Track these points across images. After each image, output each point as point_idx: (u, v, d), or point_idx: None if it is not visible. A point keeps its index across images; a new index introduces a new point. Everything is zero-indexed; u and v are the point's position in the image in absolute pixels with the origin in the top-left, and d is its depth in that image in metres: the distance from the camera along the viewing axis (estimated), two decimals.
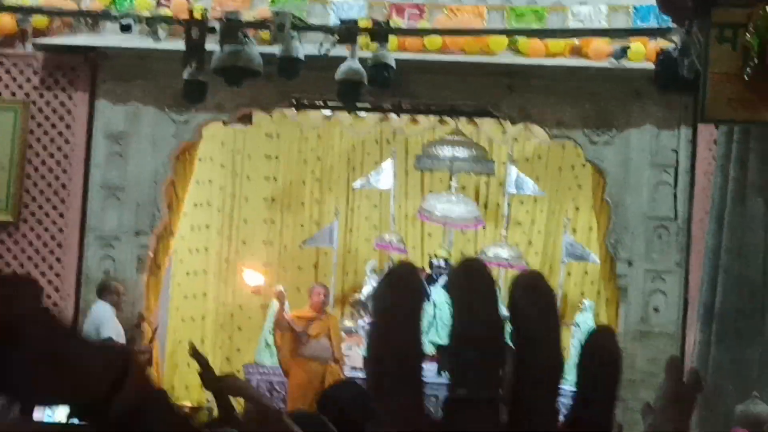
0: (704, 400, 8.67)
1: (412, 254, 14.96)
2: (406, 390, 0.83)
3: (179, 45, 10.85)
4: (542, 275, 0.89)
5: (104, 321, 11.23)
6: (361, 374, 11.05)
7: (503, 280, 14.46)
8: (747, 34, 6.94)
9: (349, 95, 10.90)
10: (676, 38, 9.04)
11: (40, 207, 12.21)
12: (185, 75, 10.72)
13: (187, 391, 14.01)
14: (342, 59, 10.64)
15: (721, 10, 7.07)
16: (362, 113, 13.79)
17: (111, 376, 0.96)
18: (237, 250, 15.41)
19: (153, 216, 12.34)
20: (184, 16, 10.95)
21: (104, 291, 11.62)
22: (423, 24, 11.99)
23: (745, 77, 6.95)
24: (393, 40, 11.29)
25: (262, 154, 15.55)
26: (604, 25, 11.74)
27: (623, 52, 11.47)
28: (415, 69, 11.71)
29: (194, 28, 10.58)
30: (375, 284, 11.17)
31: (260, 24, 11.08)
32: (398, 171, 14.89)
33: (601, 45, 11.62)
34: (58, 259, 12.16)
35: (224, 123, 12.83)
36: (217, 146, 14.89)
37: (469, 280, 0.85)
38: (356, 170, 15.49)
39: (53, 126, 12.27)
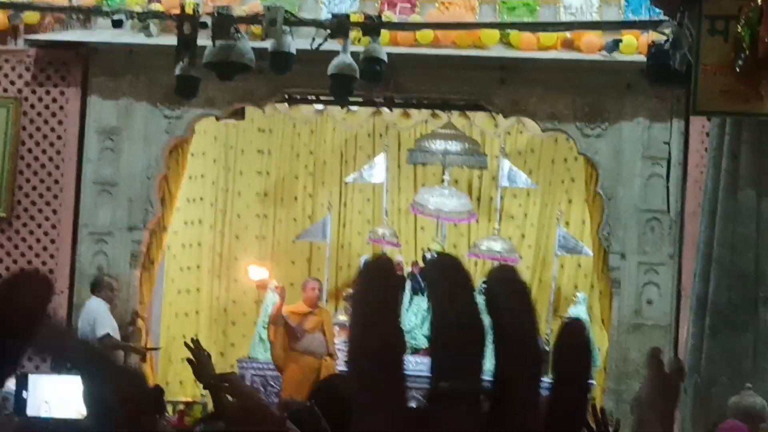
0: (698, 392, 8.69)
1: (405, 248, 14.96)
2: (387, 384, 0.83)
3: (171, 40, 10.85)
4: (515, 268, 0.89)
5: (99, 317, 11.21)
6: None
7: None
8: (738, 25, 6.94)
9: (341, 89, 10.91)
10: (667, 30, 9.05)
11: (33, 203, 12.20)
12: (177, 70, 10.72)
13: (181, 386, 14.01)
14: (334, 53, 10.64)
15: (712, 2, 7.08)
16: (354, 107, 13.79)
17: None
18: (230, 244, 15.41)
19: (146, 211, 12.34)
20: (176, 11, 10.94)
21: (98, 287, 11.60)
22: (415, 18, 11.99)
23: (737, 69, 6.96)
24: (385, 34, 11.29)
25: (254, 149, 15.54)
26: (595, 17, 11.75)
27: (615, 45, 11.48)
28: (407, 63, 11.71)
29: (186, 23, 10.58)
30: None
31: (252, 19, 11.07)
32: (391, 165, 14.90)
33: (593, 38, 11.62)
34: (51, 255, 12.15)
35: (216, 118, 12.82)
36: (209, 141, 14.88)
37: (446, 275, 0.85)
38: (349, 164, 15.48)
39: (45, 122, 12.26)
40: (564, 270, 14.70)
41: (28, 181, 12.21)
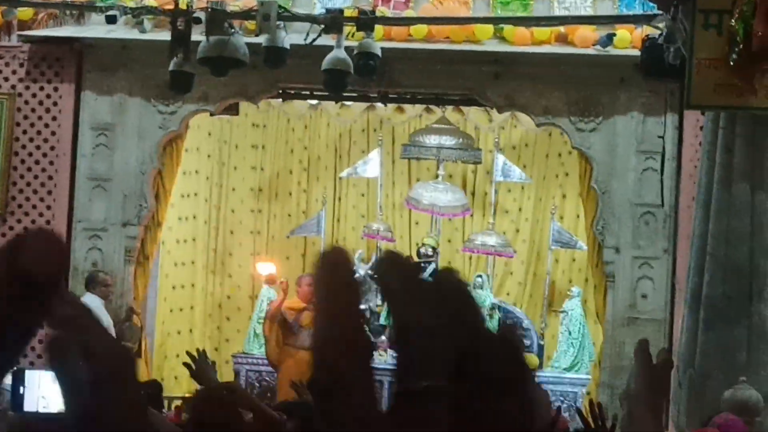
0: (692, 385, 8.70)
1: (400, 243, 14.94)
2: (352, 382, 0.82)
3: (165, 36, 10.84)
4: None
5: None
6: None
7: (491, 268, 14.50)
8: (732, 19, 6.95)
9: (335, 84, 10.91)
10: (661, 25, 9.06)
11: (27, 199, 12.19)
12: (171, 66, 10.71)
13: (176, 381, 13.99)
14: (328, 48, 10.64)
15: None
16: (348, 102, 13.78)
17: None
18: (224, 240, 15.40)
19: (140, 207, 12.33)
20: (170, 6, 10.94)
21: (92, 283, 11.60)
22: (409, 13, 11.99)
23: (731, 63, 6.97)
24: (379, 29, 11.30)
25: (248, 144, 15.52)
26: (589, 12, 11.76)
27: (609, 39, 11.49)
28: (401, 58, 11.71)
29: (180, 18, 10.57)
30: (363, 273, 11.11)
31: (246, 14, 11.06)
32: (385, 160, 14.89)
33: (586, 32, 11.63)
34: None
35: (211, 113, 12.82)
36: (203, 136, 14.86)
37: (397, 271, 0.84)
38: (343, 159, 15.48)
39: (39, 118, 12.25)
40: (558, 264, 14.71)
41: (22, 177, 12.20)
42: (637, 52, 9.89)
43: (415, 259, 14.24)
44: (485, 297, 13.62)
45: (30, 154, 12.21)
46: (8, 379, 6.91)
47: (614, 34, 11.45)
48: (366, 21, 10.79)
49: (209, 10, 10.43)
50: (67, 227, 12.19)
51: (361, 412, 0.83)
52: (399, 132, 15.14)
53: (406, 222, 15.46)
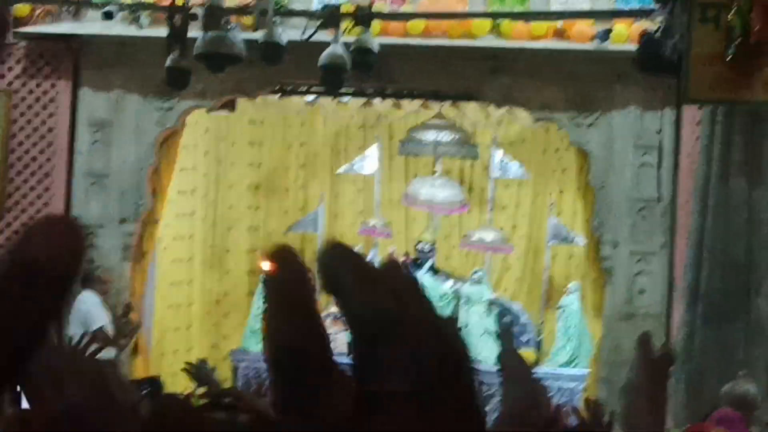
0: (690, 380, 8.70)
1: (398, 239, 14.94)
2: (310, 386, 0.80)
3: (162, 32, 10.82)
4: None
5: (92, 312, 11.16)
6: (347, 360, 11.04)
7: (489, 263, 14.49)
8: (729, 13, 6.94)
9: (332, 80, 10.90)
10: (659, 19, 9.05)
11: (24, 196, 12.18)
12: (168, 62, 10.70)
13: (173, 378, 13.98)
14: (325, 44, 10.62)
15: None
16: (345, 98, 13.77)
17: None
18: (222, 236, 15.39)
19: (137, 204, 12.33)
20: (166, 2, 10.93)
21: (89, 280, 11.58)
22: (406, 8, 11.98)
23: (728, 57, 6.96)
24: (376, 24, 11.28)
25: (245, 141, 15.51)
26: (586, 7, 11.74)
27: (606, 35, 11.48)
28: (398, 54, 11.70)
29: (176, 14, 10.56)
30: None
31: (243, 10, 11.05)
32: (382, 156, 14.88)
33: (584, 27, 11.62)
34: None
35: (208, 110, 12.80)
36: (200, 133, 14.85)
37: (344, 267, 0.82)
38: (340, 156, 15.46)
39: (36, 114, 12.24)
40: (556, 260, 14.70)
41: (19, 173, 12.19)
42: (634, 47, 9.88)
43: (413, 255, 14.26)
44: (483, 292, 13.64)
45: (27, 151, 12.20)
46: None
47: (611, 30, 11.44)
48: (363, 17, 10.78)
49: (206, 6, 10.41)
50: None
51: (313, 416, 0.80)
52: (396, 128, 15.12)
53: (404, 218, 15.45)
